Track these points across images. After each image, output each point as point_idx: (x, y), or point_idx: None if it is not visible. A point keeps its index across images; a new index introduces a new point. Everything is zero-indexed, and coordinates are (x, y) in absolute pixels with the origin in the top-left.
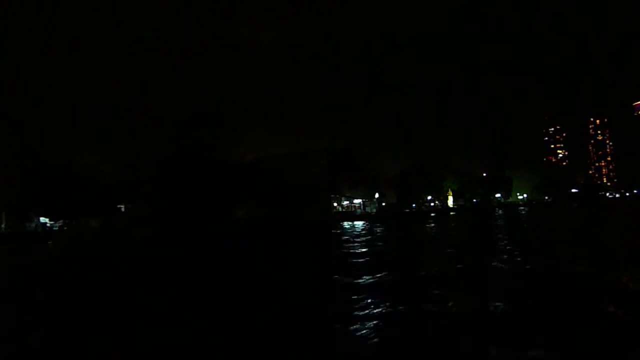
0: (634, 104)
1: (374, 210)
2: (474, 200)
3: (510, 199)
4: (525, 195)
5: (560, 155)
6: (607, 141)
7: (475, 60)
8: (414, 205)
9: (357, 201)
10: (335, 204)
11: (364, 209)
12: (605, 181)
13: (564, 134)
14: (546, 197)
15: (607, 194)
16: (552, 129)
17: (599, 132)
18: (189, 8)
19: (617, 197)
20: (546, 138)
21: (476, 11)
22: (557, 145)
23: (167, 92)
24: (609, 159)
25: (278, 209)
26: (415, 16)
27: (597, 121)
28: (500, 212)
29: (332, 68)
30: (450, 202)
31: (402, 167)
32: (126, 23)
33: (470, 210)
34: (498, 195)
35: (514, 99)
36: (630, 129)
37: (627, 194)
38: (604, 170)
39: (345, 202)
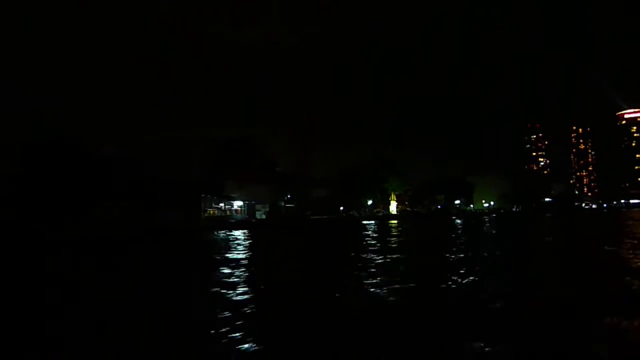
0: (617, 113)
1: (264, 216)
2: (439, 207)
3: (475, 207)
4: (491, 203)
5: (542, 163)
6: (590, 150)
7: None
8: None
9: (237, 204)
10: (217, 206)
11: (252, 214)
12: (585, 191)
13: (546, 142)
14: (515, 206)
15: (583, 205)
16: (534, 136)
17: (581, 140)
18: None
19: (594, 208)
20: (528, 145)
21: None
22: (539, 152)
23: None
24: (590, 168)
25: (132, 211)
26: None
27: (580, 130)
28: (458, 221)
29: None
30: (393, 207)
31: (341, 166)
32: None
33: (422, 217)
34: (457, 202)
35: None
36: (613, 138)
37: (605, 205)
38: (584, 180)
39: (221, 204)
